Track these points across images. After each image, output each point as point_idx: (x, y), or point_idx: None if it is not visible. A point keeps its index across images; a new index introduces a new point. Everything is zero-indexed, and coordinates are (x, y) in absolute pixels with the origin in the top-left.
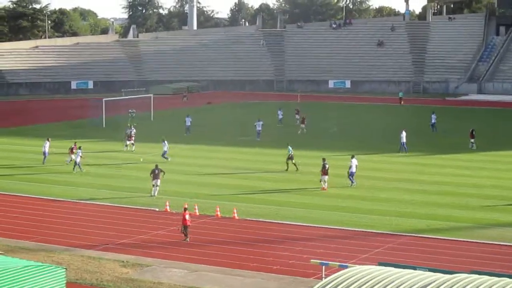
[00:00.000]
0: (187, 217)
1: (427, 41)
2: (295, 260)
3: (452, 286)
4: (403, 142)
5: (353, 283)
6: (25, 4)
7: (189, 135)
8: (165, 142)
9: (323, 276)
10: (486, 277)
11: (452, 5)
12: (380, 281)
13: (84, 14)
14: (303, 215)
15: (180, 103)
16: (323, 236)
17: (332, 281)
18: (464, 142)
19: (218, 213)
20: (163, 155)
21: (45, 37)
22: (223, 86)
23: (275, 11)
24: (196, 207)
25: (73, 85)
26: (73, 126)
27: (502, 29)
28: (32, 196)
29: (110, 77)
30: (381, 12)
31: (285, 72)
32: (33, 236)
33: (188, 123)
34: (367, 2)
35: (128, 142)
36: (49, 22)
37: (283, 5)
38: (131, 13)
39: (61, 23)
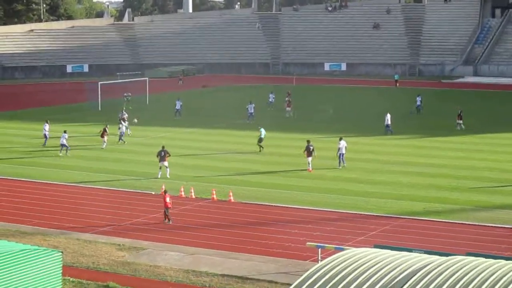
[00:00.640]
0: (167, 199)
1: (423, 24)
2: (292, 242)
3: (448, 268)
4: (388, 125)
5: (349, 266)
6: None
7: (179, 118)
8: (123, 123)
9: (319, 258)
10: (482, 259)
11: None
12: (376, 264)
13: None
14: (299, 198)
15: (175, 87)
16: (319, 218)
17: (328, 263)
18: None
19: (214, 196)
20: (120, 138)
21: (40, 21)
22: (218, 69)
23: None
24: (192, 190)
25: (69, 69)
26: (69, 109)
27: (497, 11)
28: (28, 179)
29: (106, 60)
30: None
31: (281, 55)
32: (30, 220)
33: (178, 106)
34: None
35: (121, 126)
36: (44, 5)
37: None
38: None
39: (56, 6)
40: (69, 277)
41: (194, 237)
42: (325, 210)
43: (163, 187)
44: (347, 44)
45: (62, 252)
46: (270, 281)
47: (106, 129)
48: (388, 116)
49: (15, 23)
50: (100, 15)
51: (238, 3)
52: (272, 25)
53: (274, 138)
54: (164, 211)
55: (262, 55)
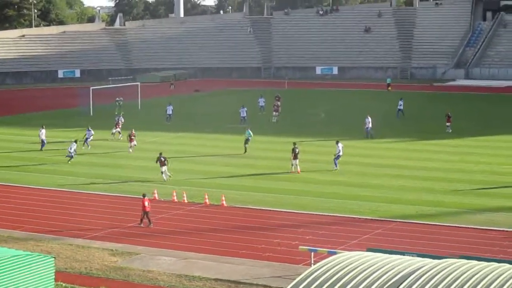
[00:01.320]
0: (146, 203)
1: (414, 27)
2: (284, 246)
3: (441, 271)
4: (368, 128)
5: (342, 269)
6: None
7: (169, 123)
8: (90, 129)
9: (312, 262)
10: (475, 262)
11: None
12: (369, 267)
13: (71, 2)
14: (292, 201)
15: (167, 91)
16: (311, 222)
17: (321, 267)
18: (451, 128)
19: (207, 200)
20: (85, 141)
21: (31, 26)
22: (210, 74)
23: None
24: (185, 195)
25: (60, 74)
26: (61, 115)
27: (488, 14)
28: (21, 185)
29: (97, 65)
30: None
31: (273, 59)
32: (22, 226)
33: (170, 112)
34: None
35: (114, 130)
36: (36, 11)
37: None
38: (117, 1)
39: (47, 11)
40: (61, 283)
41: (187, 241)
42: (317, 214)
43: (155, 191)
44: (338, 48)
45: (54, 257)
46: (263, 285)
47: (133, 133)
48: (369, 119)
49: (6, 28)
50: (91, 20)
51: (230, 7)
52: (264, 29)
53: (266, 142)
54: (142, 215)
55: (253, 59)
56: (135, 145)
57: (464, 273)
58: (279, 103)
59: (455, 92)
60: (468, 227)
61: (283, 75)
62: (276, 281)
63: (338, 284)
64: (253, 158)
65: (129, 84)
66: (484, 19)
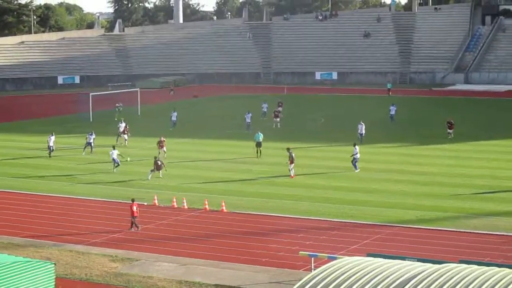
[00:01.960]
0: (134, 208)
1: (413, 32)
2: (284, 252)
3: (442, 276)
4: (361, 133)
5: (342, 275)
6: (10, 0)
7: (174, 130)
8: (92, 134)
9: (312, 268)
10: (475, 267)
11: None
12: (369, 272)
13: (70, 8)
14: (291, 207)
15: (167, 97)
16: (311, 227)
17: (322, 272)
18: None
19: (207, 206)
20: (89, 146)
21: (30, 33)
22: (209, 79)
23: (261, 3)
24: (185, 201)
25: (60, 80)
26: (60, 121)
27: (487, 18)
28: (20, 191)
29: (97, 71)
30: (367, 3)
31: (272, 64)
32: (22, 232)
33: (174, 118)
34: None
35: (122, 136)
36: (35, 17)
37: None
38: (116, 7)
39: (46, 18)
40: None
41: (187, 247)
42: (317, 219)
43: (155, 197)
44: (338, 53)
45: (54, 264)
46: None
47: (162, 139)
48: (362, 125)
49: (6, 35)
50: (90, 26)
51: (229, 13)
52: (263, 34)
53: (265, 147)
54: (131, 220)
55: (253, 65)
56: (164, 151)
57: (465, 277)
58: (280, 109)
59: (455, 96)
60: (468, 232)
61: (282, 81)
62: (276, 287)
63: None
64: (253, 164)
65: (128, 90)
66: (483, 23)
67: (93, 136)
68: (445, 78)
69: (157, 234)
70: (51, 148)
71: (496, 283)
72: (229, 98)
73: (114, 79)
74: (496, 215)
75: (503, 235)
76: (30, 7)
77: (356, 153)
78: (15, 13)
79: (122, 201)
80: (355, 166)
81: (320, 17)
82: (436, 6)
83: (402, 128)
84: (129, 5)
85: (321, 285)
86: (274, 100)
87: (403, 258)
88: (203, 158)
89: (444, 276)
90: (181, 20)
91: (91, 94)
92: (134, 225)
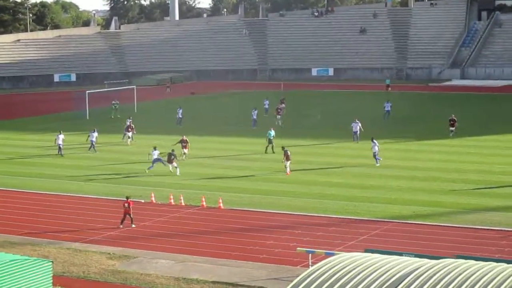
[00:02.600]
0: (126, 205)
1: (409, 27)
2: (282, 248)
3: (439, 271)
4: (356, 132)
5: (339, 271)
6: None
7: (181, 127)
8: (94, 132)
9: (310, 264)
10: (472, 262)
11: None
12: (367, 268)
13: (66, 6)
14: (289, 203)
15: (163, 94)
16: (308, 224)
17: (319, 268)
18: (448, 128)
19: (204, 203)
20: (92, 147)
21: (26, 30)
22: (206, 76)
23: (257, 0)
24: (182, 198)
25: (56, 78)
26: (57, 118)
27: (484, 14)
28: (17, 189)
29: (93, 69)
30: None
31: (268, 61)
32: (19, 230)
33: (180, 115)
34: None
35: (130, 134)
36: (31, 15)
37: None
38: (112, 4)
39: (42, 16)
40: (59, 287)
41: (184, 244)
42: (314, 215)
43: (152, 194)
44: (334, 49)
45: (52, 261)
46: (261, 287)
47: (184, 139)
48: (357, 123)
49: (2, 33)
50: (86, 24)
51: (225, 9)
52: (259, 31)
53: (263, 144)
54: (126, 216)
55: (249, 61)
56: (185, 153)
57: (462, 273)
58: (283, 105)
59: (451, 92)
60: (465, 227)
61: (278, 77)
62: (274, 283)
63: (336, 286)
64: (250, 161)
65: (125, 87)
66: (479, 18)
67: (96, 134)
68: (442, 73)
69: (155, 231)
70: (60, 146)
71: (494, 278)
72: (227, 95)
73: (110, 77)
74: (492, 210)
75: (500, 230)
76: (26, 5)
77: (374, 146)
78: (11, 11)
79: (119, 199)
80: (376, 160)
81: (316, 13)
82: (432, 2)
83: (398, 124)
84: (125, 3)
85: (318, 281)
86: (273, 97)
87: (400, 254)
88: (201, 155)
89: (441, 272)
90: (177, 17)
91: (87, 91)
92: (122, 221)
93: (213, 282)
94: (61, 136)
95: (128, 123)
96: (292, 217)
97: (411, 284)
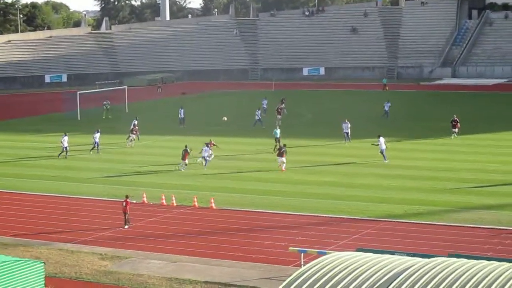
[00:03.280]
0: (124, 204)
1: (400, 26)
2: (274, 248)
3: (431, 270)
4: (347, 132)
5: (332, 270)
6: None
7: (183, 127)
8: (98, 132)
9: (302, 263)
10: (464, 260)
11: None
12: (359, 267)
13: (56, 7)
14: (280, 203)
15: (154, 94)
16: (300, 223)
17: (311, 268)
18: (439, 127)
19: (196, 203)
20: (97, 148)
21: (17, 31)
22: (197, 76)
23: (247, 0)
24: (173, 198)
25: (47, 79)
26: (48, 119)
27: (474, 12)
28: (9, 191)
29: (84, 70)
30: None
31: (259, 60)
32: (11, 231)
33: (182, 115)
34: None
35: (132, 136)
36: (21, 16)
37: None
38: (103, 5)
39: (33, 17)
40: None
41: (176, 244)
42: (306, 215)
43: (144, 195)
44: (325, 48)
45: (44, 262)
46: (253, 287)
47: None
48: (347, 123)
49: None
50: (77, 24)
51: (216, 10)
52: (250, 31)
53: (255, 144)
54: (125, 214)
55: (240, 61)
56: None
57: (454, 271)
58: (283, 106)
59: (442, 91)
60: (457, 226)
61: (270, 77)
62: (266, 283)
63: (329, 285)
64: (242, 160)
65: (116, 88)
66: (470, 17)
67: (99, 134)
68: (433, 72)
69: (147, 231)
70: (66, 148)
71: (485, 276)
72: (217, 95)
73: (101, 77)
74: (484, 209)
75: (492, 228)
76: (16, 6)
77: (380, 144)
78: (1, 12)
79: (111, 199)
80: (384, 157)
81: (307, 13)
82: (422, 1)
83: (390, 123)
84: (116, 3)
85: (310, 280)
86: (269, 97)
87: (392, 253)
88: (192, 155)
89: (433, 270)
90: (168, 17)
91: (78, 92)
92: (127, 221)
93: (205, 282)
94: (66, 138)
95: (133, 126)
96: (284, 217)
97: (403, 283)
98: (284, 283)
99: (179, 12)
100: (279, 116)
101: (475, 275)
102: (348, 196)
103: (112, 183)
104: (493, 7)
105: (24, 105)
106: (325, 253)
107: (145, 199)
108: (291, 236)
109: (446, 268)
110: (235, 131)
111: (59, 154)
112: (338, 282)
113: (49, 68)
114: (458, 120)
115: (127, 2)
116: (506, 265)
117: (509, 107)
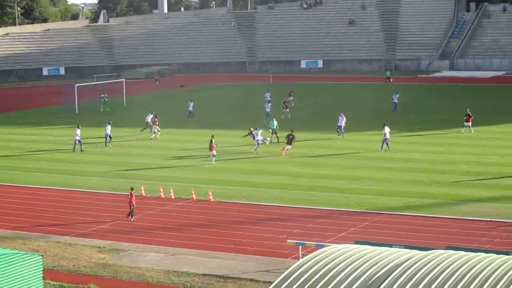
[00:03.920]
0: (129, 196)
1: (398, 19)
2: (272, 240)
3: (429, 262)
4: (340, 126)
5: (330, 262)
6: None
7: (192, 120)
8: (109, 125)
9: (300, 256)
10: (462, 253)
11: None
12: (357, 260)
13: (54, 0)
14: (278, 195)
15: (152, 87)
16: (298, 216)
17: (309, 260)
18: (437, 120)
19: (194, 196)
20: (105, 141)
21: (15, 24)
22: (195, 69)
23: None
24: (171, 191)
25: (45, 72)
26: (46, 112)
27: (472, 5)
28: (7, 183)
29: (82, 62)
30: None
31: (257, 53)
32: (9, 224)
33: (191, 108)
34: None
35: (154, 127)
36: (19, 9)
37: None
38: None
39: (30, 9)
40: (50, 281)
41: (174, 237)
42: (304, 208)
43: (142, 188)
44: (323, 41)
45: (42, 255)
46: (251, 280)
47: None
48: (342, 117)
49: None
50: (75, 17)
51: (213, 2)
52: (248, 23)
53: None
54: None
55: (238, 54)
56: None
57: (452, 264)
58: (291, 98)
59: (440, 83)
60: (455, 218)
61: (268, 69)
62: (264, 275)
63: (327, 277)
64: (240, 153)
65: (114, 80)
66: (468, 10)
67: (110, 127)
68: (431, 65)
69: (145, 224)
70: (80, 141)
71: (483, 269)
72: (215, 88)
73: (99, 70)
74: (482, 201)
75: (490, 220)
76: None
77: (385, 134)
78: None
79: (109, 192)
80: (387, 145)
81: (305, 6)
82: None
83: (388, 115)
84: None
85: (309, 273)
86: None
87: (390, 245)
88: (190, 148)
89: (431, 263)
90: (165, 10)
91: (76, 85)
92: (130, 213)
93: (204, 275)
94: (79, 131)
95: (149, 119)
96: (282, 209)
97: (401, 275)
98: (282, 276)
99: (176, 4)
100: (287, 110)
101: (473, 267)
102: (346, 189)
103: (109, 176)
104: None
105: (22, 98)
106: (323, 246)
107: (143, 192)
108: (289, 228)
109: (444, 260)
110: (233, 124)
111: (77, 147)
112: (336, 275)
113: (47, 61)
114: (470, 114)
115: None
116: (504, 257)
117: (507, 100)
